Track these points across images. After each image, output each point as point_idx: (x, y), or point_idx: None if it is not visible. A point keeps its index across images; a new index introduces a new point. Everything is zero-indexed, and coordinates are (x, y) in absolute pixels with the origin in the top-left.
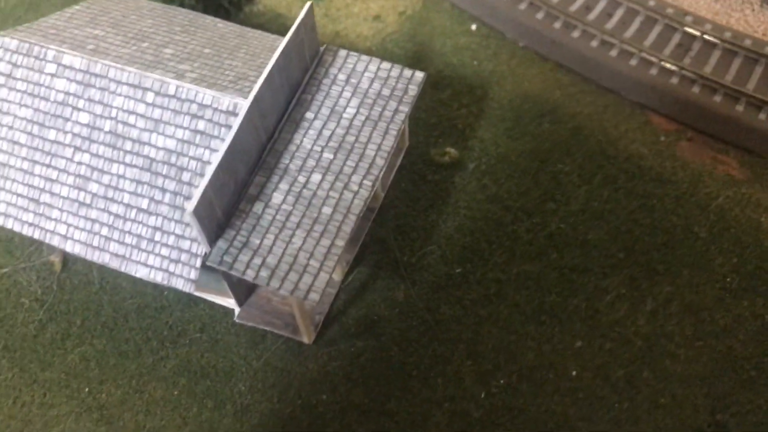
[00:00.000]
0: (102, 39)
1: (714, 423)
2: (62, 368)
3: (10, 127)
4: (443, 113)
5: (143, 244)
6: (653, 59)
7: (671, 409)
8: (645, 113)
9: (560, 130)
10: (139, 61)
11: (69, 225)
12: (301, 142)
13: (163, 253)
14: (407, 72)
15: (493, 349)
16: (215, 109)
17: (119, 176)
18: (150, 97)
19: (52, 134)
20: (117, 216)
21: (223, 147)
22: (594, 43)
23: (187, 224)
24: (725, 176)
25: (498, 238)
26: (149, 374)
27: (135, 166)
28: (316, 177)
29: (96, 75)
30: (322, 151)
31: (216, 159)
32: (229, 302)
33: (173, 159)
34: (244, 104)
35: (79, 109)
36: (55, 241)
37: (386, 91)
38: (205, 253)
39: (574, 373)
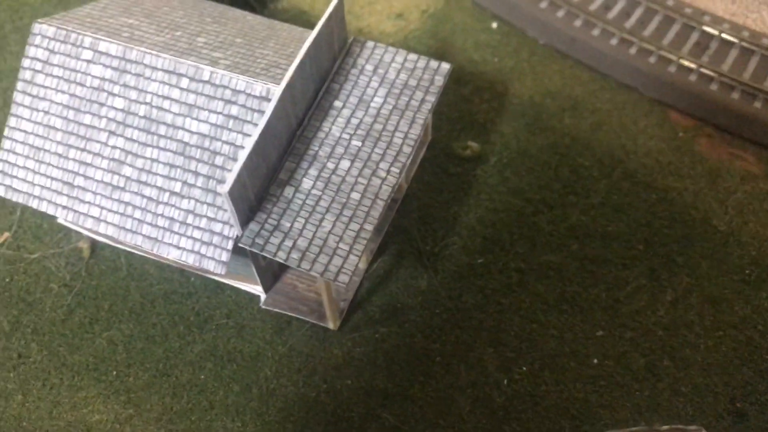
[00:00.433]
0: (136, 28)
1: (734, 411)
2: (90, 352)
3: (46, 113)
4: (465, 108)
5: (176, 227)
6: (672, 57)
7: (691, 397)
8: (663, 109)
9: (580, 125)
10: (174, 49)
11: (102, 208)
12: (330, 129)
13: (195, 235)
14: (433, 63)
15: (515, 337)
16: (248, 95)
17: (153, 160)
18: (184, 82)
19: (87, 119)
20: (150, 199)
21: (256, 131)
22: (613, 41)
23: (219, 207)
24: (743, 171)
25: (519, 229)
26: (176, 358)
27: (168, 150)
28: (345, 163)
29: (131, 61)
30: (350, 139)
31: (250, 142)
32: (255, 289)
33: (206, 143)
34: (277, 90)
35: (114, 95)
36: (89, 224)
37: (413, 82)
38: (237, 236)
39: (595, 361)
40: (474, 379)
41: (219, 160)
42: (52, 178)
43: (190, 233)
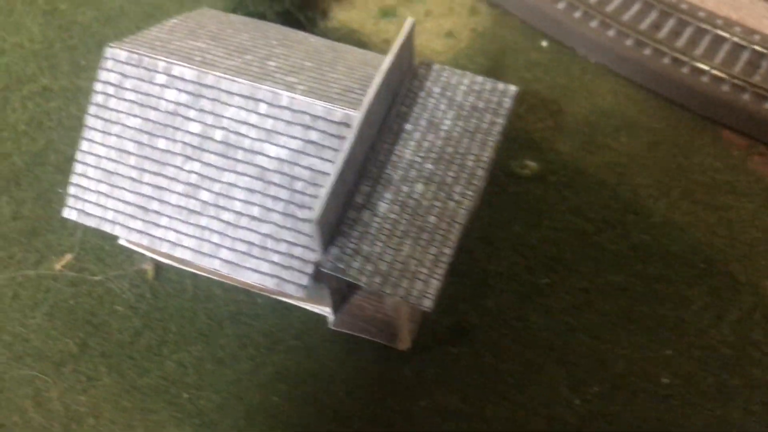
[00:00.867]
0: (206, 51)
1: None
2: (160, 374)
3: (119, 137)
4: (520, 126)
5: (254, 251)
6: (724, 76)
7: (762, 415)
8: (717, 128)
9: (636, 144)
10: (248, 73)
11: (178, 232)
12: (403, 152)
13: (274, 259)
14: (500, 86)
15: (585, 357)
16: (328, 121)
17: (230, 185)
18: (262, 107)
19: (161, 143)
20: (228, 223)
21: (340, 158)
22: (665, 60)
23: (299, 232)
24: None
25: (582, 248)
26: (247, 380)
27: (247, 174)
28: (419, 187)
29: (207, 86)
30: (423, 162)
31: (335, 170)
32: (323, 310)
33: (285, 168)
34: (357, 116)
35: (189, 119)
36: (164, 248)
37: (481, 104)
38: (317, 260)
39: (665, 380)
40: (546, 399)
41: (298, 185)
42: (126, 202)
43: (270, 257)
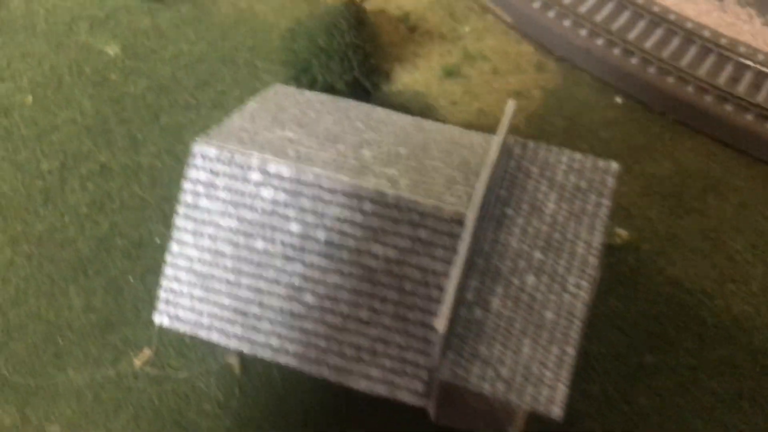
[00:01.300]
0: (297, 143)
1: None
2: None
3: (213, 238)
4: None
5: (364, 356)
6: None
7: None
8: None
9: (725, 205)
10: (345, 167)
11: (281, 337)
12: (508, 240)
13: (385, 364)
14: (601, 163)
15: None
16: (438, 218)
17: (336, 286)
18: (367, 206)
19: (259, 244)
20: (334, 327)
21: (458, 261)
22: (749, 117)
23: (412, 335)
24: None
25: (684, 322)
26: None
27: (353, 276)
28: (530, 279)
29: (306, 183)
30: (531, 250)
31: (455, 273)
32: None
33: (394, 268)
34: (470, 215)
35: (289, 218)
36: (267, 354)
37: (583, 184)
38: (433, 366)
39: None
40: None
41: (408, 286)
42: (223, 307)
43: (381, 362)
